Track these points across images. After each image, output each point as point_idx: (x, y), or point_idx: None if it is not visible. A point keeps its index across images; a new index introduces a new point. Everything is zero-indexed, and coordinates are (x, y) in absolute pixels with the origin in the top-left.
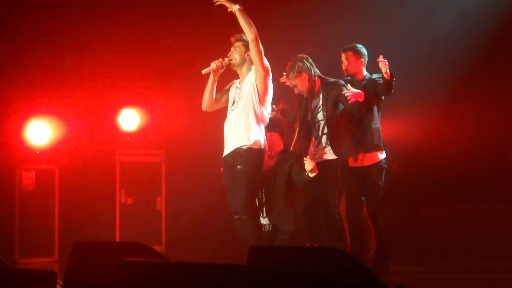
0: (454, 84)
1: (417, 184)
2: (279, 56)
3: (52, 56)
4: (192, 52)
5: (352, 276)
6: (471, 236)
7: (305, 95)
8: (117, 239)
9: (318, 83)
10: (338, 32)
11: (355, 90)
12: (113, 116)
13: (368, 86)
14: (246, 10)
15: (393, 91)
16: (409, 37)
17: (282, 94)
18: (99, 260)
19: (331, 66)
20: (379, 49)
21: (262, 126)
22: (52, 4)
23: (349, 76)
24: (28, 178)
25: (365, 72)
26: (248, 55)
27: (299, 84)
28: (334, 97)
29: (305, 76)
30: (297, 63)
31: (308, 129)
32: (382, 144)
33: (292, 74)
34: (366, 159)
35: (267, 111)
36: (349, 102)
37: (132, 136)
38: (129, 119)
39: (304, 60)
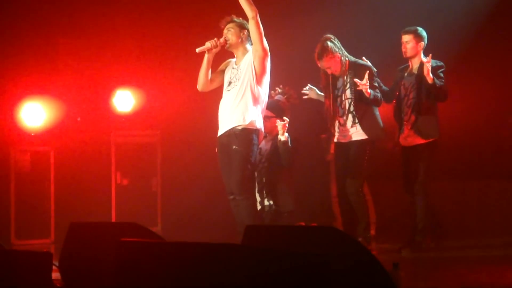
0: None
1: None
2: (279, 37)
3: (45, 37)
4: (187, 31)
5: (348, 255)
6: (465, 214)
7: (336, 75)
8: (113, 220)
9: (347, 63)
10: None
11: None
12: (107, 97)
13: (421, 73)
14: None
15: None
16: (409, 16)
17: (286, 78)
18: (95, 241)
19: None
20: (378, 31)
21: (259, 107)
22: None
23: (408, 57)
24: (23, 160)
25: (422, 56)
26: (243, 35)
27: (333, 66)
28: (362, 79)
29: (338, 56)
30: (328, 44)
31: (336, 107)
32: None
33: (326, 56)
34: (416, 139)
35: (264, 91)
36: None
37: (127, 117)
38: (124, 100)
39: (334, 41)
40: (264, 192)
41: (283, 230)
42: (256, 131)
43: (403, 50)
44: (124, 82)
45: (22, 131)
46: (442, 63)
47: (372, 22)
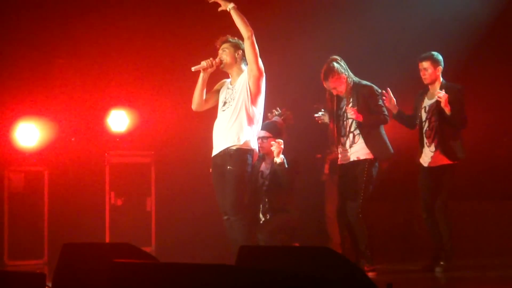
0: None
1: (406, 182)
2: (276, 58)
3: (41, 57)
4: (182, 52)
5: (342, 276)
6: (460, 234)
7: (341, 95)
8: (107, 240)
9: (352, 84)
10: (332, 32)
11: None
12: (102, 117)
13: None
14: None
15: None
16: (403, 34)
17: (282, 99)
18: (89, 262)
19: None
20: (370, 50)
21: (254, 127)
22: (40, 4)
23: (428, 84)
24: (17, 180)
25: (441, 79)
26: (238, 55)
27: (338, 86)
28: (365, 98)
29: (343, 77)
30: (335, 65)
31: (340, 128)
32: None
33: (332, 77)
34: (442, 160)
35: (259, 111)
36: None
37: (121, 137)
38: (119, 120)
39: (340, 62)
40: (268, 214)
41: (277, 251)
42: (251, 151)
43: (423, 76)
44: (118, 102)
45: (17, 150)
46: (459, 87)
47: (373, 42)
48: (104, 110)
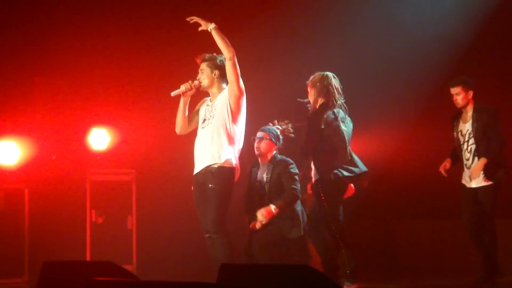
0: (421, 102)
1: (387, 199)
2: (257, 74)
3: (20, 75)
4: (163, 70)
5: None
6: (441, 253)
7: None
8: (88, 258)
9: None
10: (322, 53)
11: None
12: (82, 135)
13: (478, 118)
14: (222, 30)
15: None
16: (383, 52)
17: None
18: (69, 280)
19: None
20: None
21: (235, 146)
22: (20, 22)
23: (461, 108)
24: None
25: (473, 102)
26: (215, 75)
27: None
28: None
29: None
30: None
31: None
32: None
33: None
34: (484, 180)
35: (240, 130)
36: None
37: (102, 155)
38: (99, 138)
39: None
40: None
41: (258, 269)
42: (232, 169)
43: (455, 102)
44: (99, 120)
45: None
46: (493, 109)
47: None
48: (85, 128)
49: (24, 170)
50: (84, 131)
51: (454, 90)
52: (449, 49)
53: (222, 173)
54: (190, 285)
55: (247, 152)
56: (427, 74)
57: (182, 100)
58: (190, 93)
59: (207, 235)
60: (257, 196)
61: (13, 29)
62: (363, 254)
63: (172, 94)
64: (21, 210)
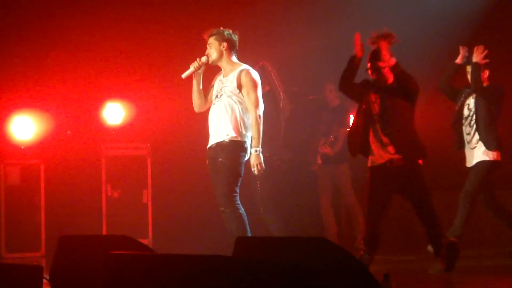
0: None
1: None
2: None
3: (35, 50)
4: (178, 44)
5: (339, 266)
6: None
7: None
8: (104, 232)
9: None
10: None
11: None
12: (97, 109)
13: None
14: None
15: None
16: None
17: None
18: (86, 254)
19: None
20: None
21: (247, 119)
22: None
23: None
24: (13, 173)
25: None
26: (224, 47)
27: None
28: None
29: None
30: None
31: None
32: None
33: None
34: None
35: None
36: None
37: (117, 129)
38: (114, 113)
39: None
40: None
41: (274, 242)
42: (242, 143)
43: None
44: (114, 94)
45: (12, 144)
46: (500, 89)
47: None
48: (100, 103)
49: (40, 145)
50: (98, 106)
51: (468, 69)
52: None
53: (232, 147)
54: (206, 258)
55: None
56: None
57: (194, 80)
58: (200, 71)
59: (222, 209)
60: None
61: (27, 4)
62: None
63: (183, 76)
64: (37, 185)
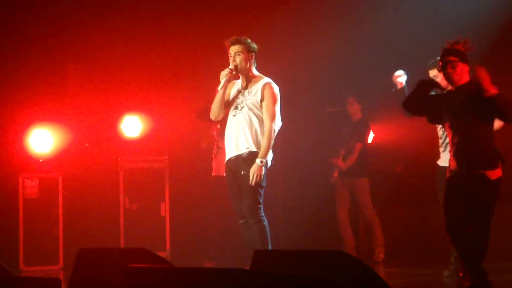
0: None
1: (421, 185)
2: (287, 60)
3: (53, 63)
4: (195, 58)
5: (357, 279)
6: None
7: None
8: (122, 245)
9: None
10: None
11: None
12: (115, 122)
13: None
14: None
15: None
16: (408, 36)
17: (294, 102)
18: (104, 267)
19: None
20: (377, 50)
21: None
22: (52, 10)
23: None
24: (31, 187)
25: None
26: (252, 58)
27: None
28: None
29: None
30: None
31: None
32: None
33: None
34: None
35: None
36: None
37: (135, 142)
38: (132, 126)
39: None
40: None
41: (291, 255)
42: None
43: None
44: (132, 107)
45: (31, 157)
46: None
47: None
48: (118, 116)
49: (58, 158)
50: (116, 119)
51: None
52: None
53: (253, 159)
54: (224, 272)
55: (280, 137)
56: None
57: (221, 89)
58: (230, 81)
59: (242, 221)
60: None
61: (45, 17)
62: (398, 239)
63: (219, 88)
64: (55, 197)
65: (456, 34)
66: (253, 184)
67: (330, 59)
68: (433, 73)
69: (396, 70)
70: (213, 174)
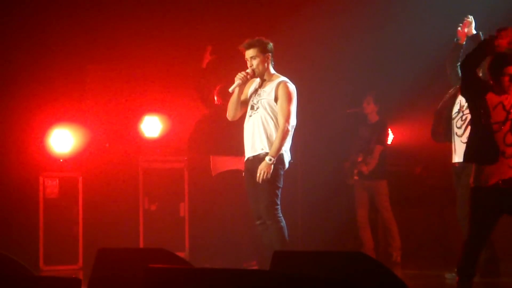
0: None
1: (440, 187)
2: (306, 61)
3: (73, 64)
4: (216, 59)
5: (376, 281)
6: (496, 239)
7: None
8: (141, 245)
9: None
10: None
11: None
12: (135, 123)
13: None
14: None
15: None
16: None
17: (313, 104)
18: (124, 267)
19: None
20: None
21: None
22: (72, 11)
23: None
24: (51, 186)
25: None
26: (268, 59)
27: None
28: None
29: None
30: None
31: None
32: None
33: None
34: None
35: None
36: None
37: (154, 142)
38: (152, 126)
39: None
40: None
41: (311, 256)
42: (281, 155)
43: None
44: (151, 108)
45: (51, 157)
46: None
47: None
48: (137, 116)
49: (78, 158)
50: (136, 119)
51: None
52: None
53: None
54: (243, 272)
55: (300, 138)
56: None
57: (236, 91)
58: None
59: (259, 222)
60: None
61: (65, 17)
62: (416, 241)
63: (230, 90)
64: (75, 197)
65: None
66: (260, 181)
67: (351, 59)
68: None
69: (416, 71)
70: (213, 174)
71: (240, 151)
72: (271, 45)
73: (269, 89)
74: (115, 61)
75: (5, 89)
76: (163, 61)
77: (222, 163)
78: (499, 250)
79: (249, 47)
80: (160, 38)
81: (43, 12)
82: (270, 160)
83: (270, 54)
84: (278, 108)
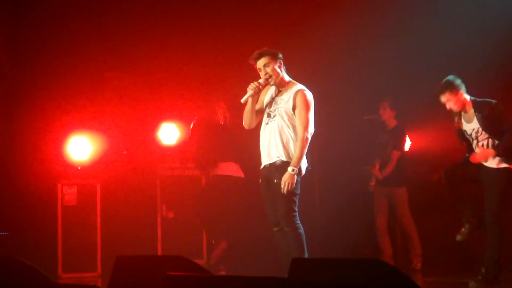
0: (495, 91)
1: None
2: (323, 69)
3: (91, 71)
4: (233, 65)
5: None
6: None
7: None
8: (159, 253)
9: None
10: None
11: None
12: (153, 130)
13: (482, 114)
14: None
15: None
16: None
17: (329, 110)
18: (142, 275)
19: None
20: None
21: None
22: (91, 19)
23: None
24: (69, 194)
25: (469, 99)
26: (280, 65)
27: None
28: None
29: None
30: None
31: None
32: None
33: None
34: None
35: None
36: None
37: (172, 150)
38: (169, 133)
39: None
40: None
41: (329, 263)
42: None
43: (448, 109)
44: (169, 115)
45: (69, 164)
46: (493, 102)
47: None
48: (155, 123)
49: (96, 166)
50: (154, 126)
51: (442, 99)
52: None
53: (285, 167)
54: (262, 280)
55: (317, 145)
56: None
57: (250, 100)
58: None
59: (276, 229)
60: None
61: (83, 25)
62: (436, 248)
63: (242, 100)
64: (93, 205)
65: (500, 39)
66: (285, 192)
67: (368, 66)
68: (443, 99)
69: (435, 76)
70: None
71: (241, 158)
72: (280, 54)
73: (286, 97)
74: (133, 69)
75: (24, 98)
76: (181, 69)
77: (225, 168)
78: (502, 258)
79: (259, 56)
80: (178, 47)
81: (61, 20)
82: (293, 170)
83: (281, 61)
84: (297, 116)
